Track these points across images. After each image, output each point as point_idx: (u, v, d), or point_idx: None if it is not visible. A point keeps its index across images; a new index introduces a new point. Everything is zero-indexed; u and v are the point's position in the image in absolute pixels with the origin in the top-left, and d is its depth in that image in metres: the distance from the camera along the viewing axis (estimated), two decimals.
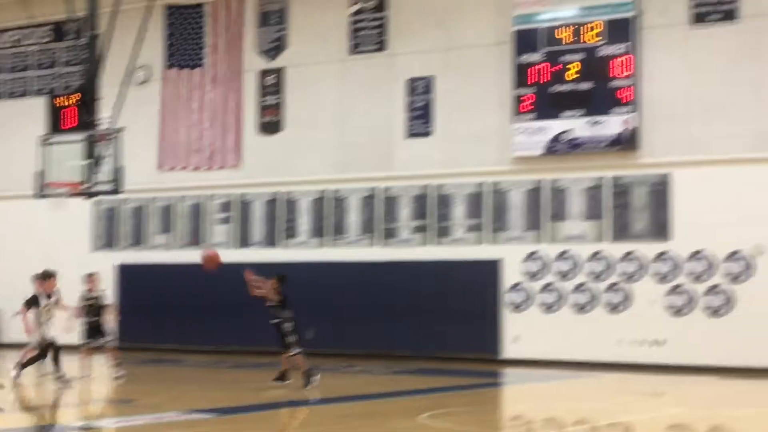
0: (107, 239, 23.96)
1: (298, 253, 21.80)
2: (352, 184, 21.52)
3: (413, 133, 21.01)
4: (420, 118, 20.96)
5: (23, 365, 15.24)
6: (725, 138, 18.36)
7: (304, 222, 22.00)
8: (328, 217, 21.76)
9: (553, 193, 19.74)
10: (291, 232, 22.11)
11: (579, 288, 19.39)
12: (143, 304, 22.45)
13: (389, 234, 21.15)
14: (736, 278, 18.19)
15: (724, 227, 18.20)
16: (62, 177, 18.55)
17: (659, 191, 18.86)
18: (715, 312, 18.30)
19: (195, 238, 23.03)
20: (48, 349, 15.07)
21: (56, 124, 18.81)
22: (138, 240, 23.68)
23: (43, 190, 18.59)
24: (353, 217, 21.51)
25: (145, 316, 22.24)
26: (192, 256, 22.94)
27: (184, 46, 23.34)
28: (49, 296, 15.49)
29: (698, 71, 18.67)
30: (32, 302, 15.37)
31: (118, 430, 11.04)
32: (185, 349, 21.84)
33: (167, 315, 22.46)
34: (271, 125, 22.50)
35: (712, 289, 18.35)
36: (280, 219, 22.25)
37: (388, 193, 21.19)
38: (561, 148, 19.48)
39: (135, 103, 22.73)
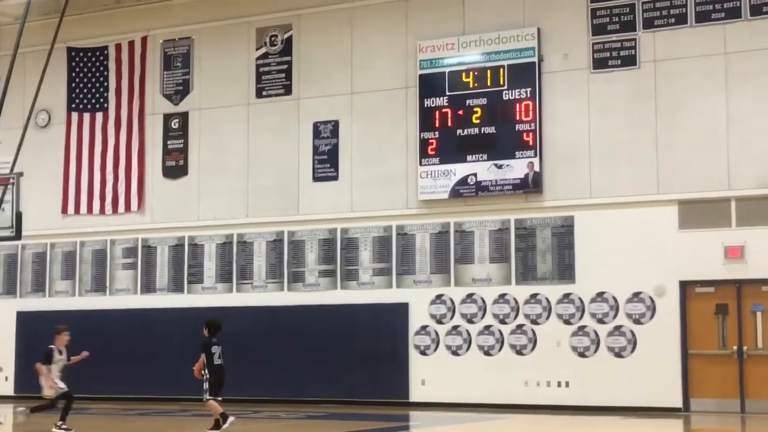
0: (7, 286, 23.44)
1: (205, 298, 21.57)
2: (259, 228, 21.40)
3: (319, 177, 21.01)
4: (326, 162, 20.98)
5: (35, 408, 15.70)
6: (626, 181, 18.71)
7: (210, 267, 21.80)
8: (235, 262, 21.59)
9: (459, 236, 19.87)
10: (197, 277, 21.88)
11: (485, 330, 19.50)
12: None
13: (296, 278, 21.06)
14: (638, 319, 18.47)
15: (625, 269, 18.49)
16: None
17: (563, 234, 19.11)
18: (618, 353, 18.55)
19: (99, 284, 22.69)
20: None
21: None
22: (39, 286, 23.20)
23: None
24: (260, 262, 21.38)
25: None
26: (96, 302, 22.62)
27: (87, 89, 23.07)
28: (60, 352, 15.91)
29: (599, 115, 19.04)
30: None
31: None
32: (90, 397, 21.35)
33: None
34: (175, 169, 22.30)
35: (616, 330, 18.60)
36: (185, 264, 22.00)
37: (295, 237, 21.12)
38: (467, 191, 19.65)
39: (37, 146, 22.46)
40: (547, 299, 19.11)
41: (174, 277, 22.05)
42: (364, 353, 20.11)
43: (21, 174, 18.09)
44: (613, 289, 18.63)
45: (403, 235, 20.27)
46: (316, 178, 21.04)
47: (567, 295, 18.96)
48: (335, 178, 20.88)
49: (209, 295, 21.59)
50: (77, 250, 22.96)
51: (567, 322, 18.93)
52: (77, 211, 22.91)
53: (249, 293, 21.36)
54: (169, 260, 22.13)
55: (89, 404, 20.55)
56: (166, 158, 22.37)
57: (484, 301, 19.54)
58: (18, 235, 18.26)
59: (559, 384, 18.86)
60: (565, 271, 19.03)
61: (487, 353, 19.46)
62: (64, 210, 23.02)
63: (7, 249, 22.99)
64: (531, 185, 19.20)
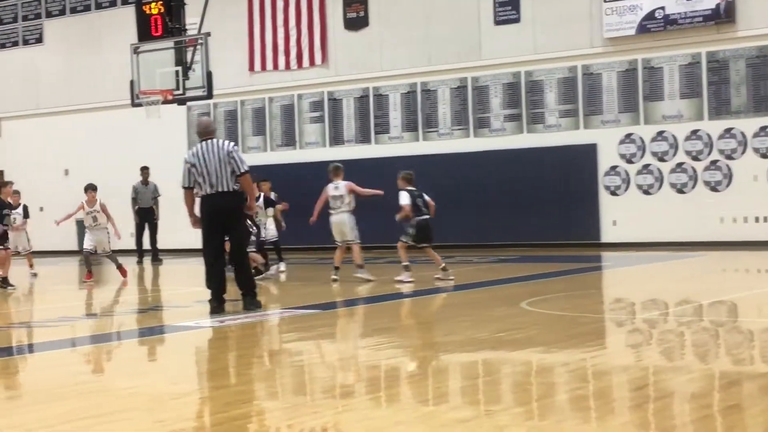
0: None
1: (391, 148, 21.80)
2: (442, 76, 21.33)
3: (501, 20, 20.66)
4: (507, 5, 20.59)
5: None
6: None
7: (395, 117, 21.93)
8: (420, 111, 21.64)
9: (647, 73, 19.30)
10: (383, 128, 22.07)
11: (677, 168, 19.06)
12: None
13: (482, 124, 20.98)
14: None
15: None
16: (155, 85, 18.76)
17: (758, 65, 18.31)
18: None
19: (288, 139, 23.20)
20: None
21: (146, 32, 18.85)
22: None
23: (137, 98, 18.85)
24: (444, 109, 21.36)
25: None
26: (286, 156, 23.17)
27: None
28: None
29: None
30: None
31: (227, 327, 10.84)
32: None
33: None
34: (356, 21, 22.32)
35: None
36: (371, 115, 22.21)
37: (479, 82, 20.95)
38: (654, 26, 18.98)
39: (220, 6, 22.80)
40: (742, 133, 18.47)
41: (361, 129, 22.32)
42: (553, 196, 20.03)
43: (208, 34, 18.44)
44: None
45: (589, 75, 19.83)
46: (497, 22, 20.70)
47: (764, 128, 18.28)
48: (517, 20, 20.50)
49: (396, 145, 21.79)
50: (266, 106, 23.47)
51: (764, 156, 18.30)
52: (263, 67, 23.32)
53: (435, 141, 21.45)
54: (355, 112, 22.37)
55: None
56: (347, 10, 22.39)
57: (675, 139, 19.05)
58: (209, 94, 18.77)
59: (756, 219, 18.37)
60: (761, 103, 18.30)
61: (680, 191, 19.06)
62: (251, 67, 23.46)
63: (199, 108, 23.67)
64: (723, 15, 18.37)
